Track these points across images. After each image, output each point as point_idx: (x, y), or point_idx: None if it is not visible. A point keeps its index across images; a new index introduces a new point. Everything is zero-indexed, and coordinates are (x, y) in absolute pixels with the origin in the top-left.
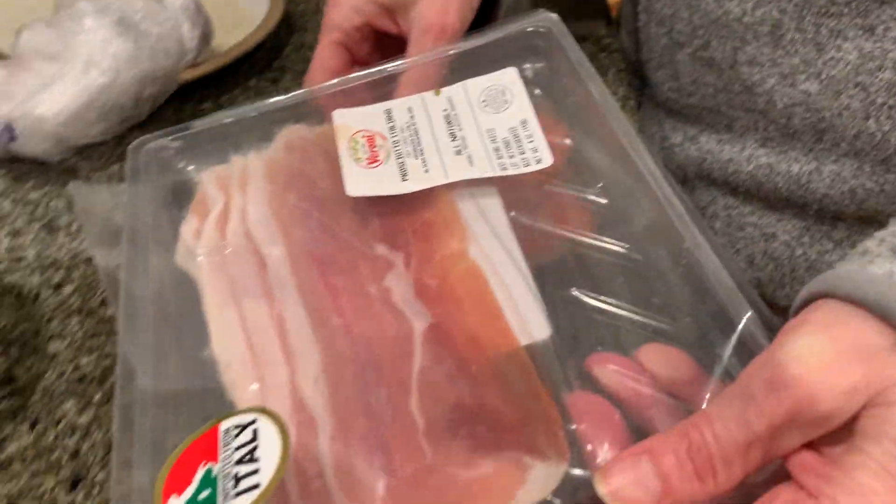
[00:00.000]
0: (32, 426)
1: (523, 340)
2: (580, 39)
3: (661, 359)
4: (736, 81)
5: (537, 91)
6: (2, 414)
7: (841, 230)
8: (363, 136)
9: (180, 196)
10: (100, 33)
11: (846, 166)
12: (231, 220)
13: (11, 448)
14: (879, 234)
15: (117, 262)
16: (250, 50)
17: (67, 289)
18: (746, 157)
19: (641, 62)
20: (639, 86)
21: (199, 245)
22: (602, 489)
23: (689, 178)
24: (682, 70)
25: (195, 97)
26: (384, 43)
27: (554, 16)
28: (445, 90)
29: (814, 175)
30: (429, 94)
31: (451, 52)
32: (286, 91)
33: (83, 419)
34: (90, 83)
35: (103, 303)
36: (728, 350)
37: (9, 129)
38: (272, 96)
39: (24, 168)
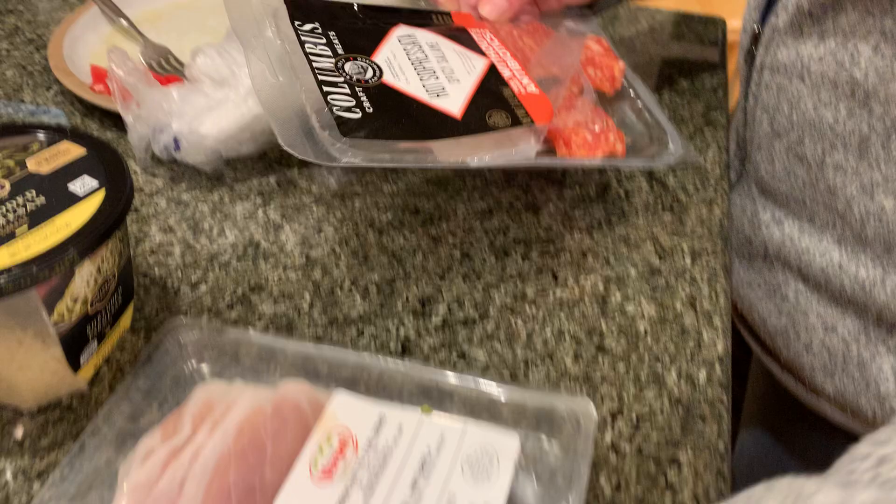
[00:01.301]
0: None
1: None
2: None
3: None
4: (821, 181)
5: (534, 472)
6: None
7: None
8: (339, 437)
9: (178, 393)
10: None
11: None
12: (180, 458)
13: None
14: None
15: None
16: None
17: (202, 288)
18: (821, 250)
19: (746, 139)
20: (741, 156)
21: (140, 468)
22: None
23: (770, 256)
24: (777, 157)
25: None
26: None
27: (592, 409)
28: (442, 418)
29: (877, 283)
30: (426, 417)
31: (494, 396)
32: None
33: None
34: (248, 111)
35: (230, 306)
36: None
37: (176, 141)
38: None
39: (179, 171)
